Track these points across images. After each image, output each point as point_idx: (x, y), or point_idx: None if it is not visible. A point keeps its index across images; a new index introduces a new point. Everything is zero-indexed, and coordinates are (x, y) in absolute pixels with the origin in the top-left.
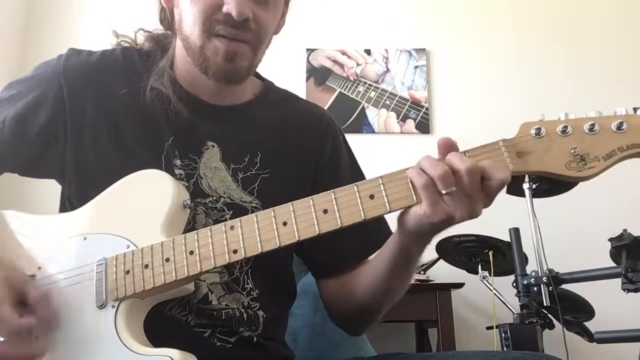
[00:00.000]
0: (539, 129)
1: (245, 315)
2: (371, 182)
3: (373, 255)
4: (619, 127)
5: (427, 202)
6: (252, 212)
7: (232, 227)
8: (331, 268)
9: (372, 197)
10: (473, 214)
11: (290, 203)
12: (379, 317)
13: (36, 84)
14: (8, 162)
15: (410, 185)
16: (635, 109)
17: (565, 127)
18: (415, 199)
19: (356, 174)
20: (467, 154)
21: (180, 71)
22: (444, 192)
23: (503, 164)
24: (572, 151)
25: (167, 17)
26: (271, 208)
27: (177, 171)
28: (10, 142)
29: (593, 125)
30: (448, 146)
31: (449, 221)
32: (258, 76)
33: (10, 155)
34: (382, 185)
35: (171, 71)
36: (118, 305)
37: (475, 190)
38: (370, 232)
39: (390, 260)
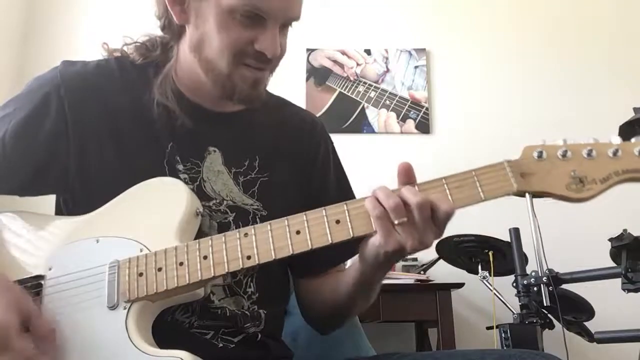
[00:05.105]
0: (541, 152)
1: (247, 313)
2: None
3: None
4: (615, 154)
5: (380, 231)
6: (254, 214)
7: (245, 235)
8: (308, 269)
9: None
10: (423, 244)
11: (303, 213)
12: (345, 322)
13: (34, 98)
14: (11, 179)
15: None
16: (636, 109)
17: (565, 151)
18: None
19: (342, 184)
20: (419, 187)
21: (182, 79)
22: (396, 222)
23: (447, 198)
24: (572, 173)
25: (173, 29)
26: (284, 217)
27: (181, 175)
28: (12, 159)
29: (591, 150)
30: (406, 171)
31: (401, 251)
32: None
33: (13, 171)
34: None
35: (173, 79)
36: (129, 307)
37: (426, 221)
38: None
39: (354, 283)
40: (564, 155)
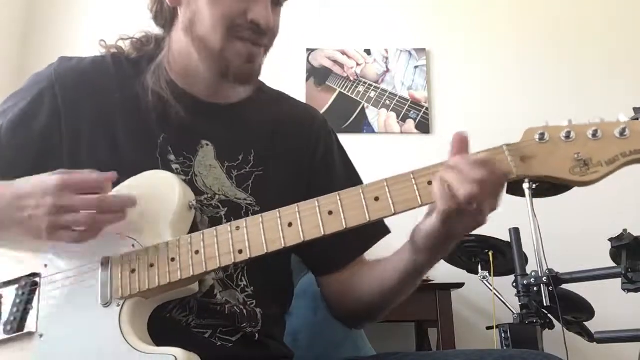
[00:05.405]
0: (543, 134)
1: (245, 312)
2: (376, 185)
3: (368, 253)
4: (622, 133)
5: (443, 214)
6: (247, 209)
7: (237, 228)
8: (328, 265)
9: (377, 199)
10: (478, 223)
11: (295, 204)
12: (383, 316)
13: (29, 94)
14: (8, 174)
15: (416, 187)
16: (636, 109)
17: (569, 132)
18: (420, 201)
19: (351, 175)
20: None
21: (175, 68)
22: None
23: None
24: (576, 156)
25: (165, 15)
26: (277, 209)
27: (173, 166)
28: (7, 154)
29: (596, 131)
30: (461, 141)
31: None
32: None
33: (11, 167)
34: (387, 188)
35: (166, 69)
36: (123, 304)
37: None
38: (365, 228)
39: (401, 272)
40: (568, 136)
